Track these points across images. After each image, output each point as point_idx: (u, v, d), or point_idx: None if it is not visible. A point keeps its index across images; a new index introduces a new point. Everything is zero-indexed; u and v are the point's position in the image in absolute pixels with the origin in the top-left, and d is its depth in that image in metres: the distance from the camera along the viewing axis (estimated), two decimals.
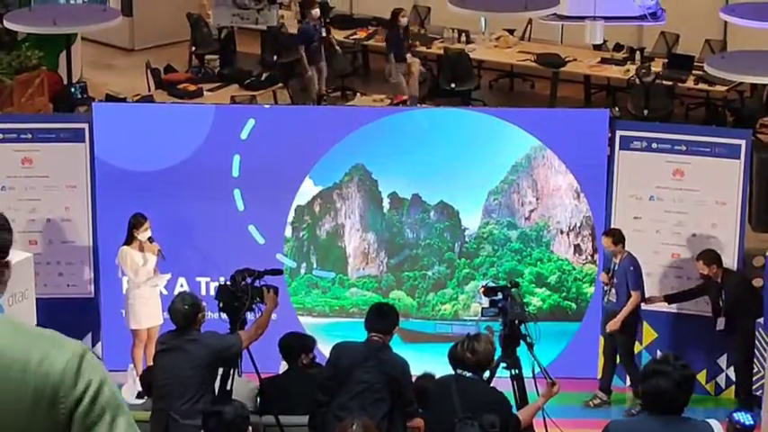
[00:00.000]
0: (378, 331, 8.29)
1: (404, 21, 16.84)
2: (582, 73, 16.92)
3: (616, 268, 11.01)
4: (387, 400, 8.12)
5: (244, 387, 8.77)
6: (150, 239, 11.04)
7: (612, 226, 11.44)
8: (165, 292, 11.30)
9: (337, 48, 17.49)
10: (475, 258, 11.81)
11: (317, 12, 16.92)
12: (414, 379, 9.01)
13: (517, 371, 8.38)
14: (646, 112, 15.68)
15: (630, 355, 11.12)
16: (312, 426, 8.37)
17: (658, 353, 10.42)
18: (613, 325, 10.95)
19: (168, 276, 11.29)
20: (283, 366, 9.34)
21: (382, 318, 8.38)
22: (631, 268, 10.93)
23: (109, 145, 11.50)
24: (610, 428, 5.92)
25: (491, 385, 7.94)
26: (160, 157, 11.52)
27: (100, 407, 2.53)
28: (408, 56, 16.86)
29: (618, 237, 10.98)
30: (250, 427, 7.28)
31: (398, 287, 11.85)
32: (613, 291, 11.05)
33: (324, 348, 10.06)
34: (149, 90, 16.14)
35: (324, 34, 17.20)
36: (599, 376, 11.63)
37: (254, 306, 8.64)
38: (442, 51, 17.36)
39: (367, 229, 11.84)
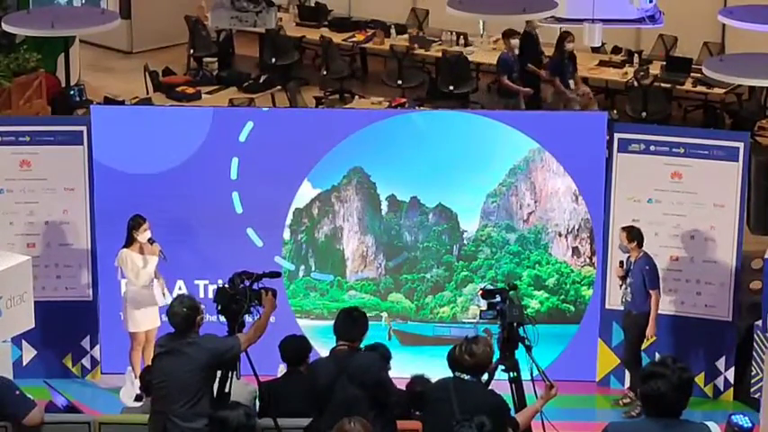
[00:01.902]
0: (348, 340, 8.26)
1: (570, 46, 15.82)
2: (580, 75, 16.91)
3: (631, 267, 11.00)
4: (370, 406, 8.07)
5: (242, 390, 8.76)
6: (151, 240, 11.04)
7: (611, 228, 11.45)
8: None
9: (548, 98, 16.21)
10: (473, 261, 11.81)
11: (516, 42, 15.94)
12: (408, 381, 9.02)
13: (515, 373, 8.36)
14: (644, 114, 15.69)
15: (636, 355, 11.07)
16: None
17: (657, 355, 10.44)
18: (651, 330, 10.92)
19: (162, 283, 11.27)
20: (282, 369, 9.34)
21: (354, 325, 8.33)
22: (647, 267, 10.92)
23: (107, 147, 11.50)
24: (608, 430, 5.91)
25: (489, 388, 7.94)
26: (158, 160, 11.52)
27: None
28: (572, 83, 15.96)
29: (634, 234, 10.93)
30: None
31: (397, 290, 11.85)
32: (629, 290, 11.04)
33: (321, 351, 10.06)
34: (147, 93, 16.16)
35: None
36: (597, 379, 11.65)
37: (252, 309, 8.62)
38: (440, 54, 17.38)
39: (365, 232, 11.84)
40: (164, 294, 11.12)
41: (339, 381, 8.09)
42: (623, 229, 11.05)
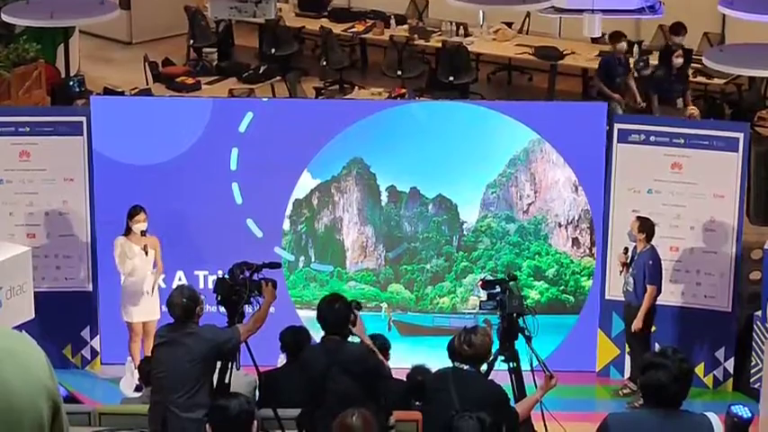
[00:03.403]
0: (335, 333, 8.18)
1: (677, 61, 14.56)
2: (580, 66, 16.88)
3: (636, 258, 11.01)
4: (367, 396, 8.05)
5: (242, 380, 8.76)
6: (143, 233, 11.03)
7: (611, 219, 11.45)
8: (163, 286, 11.31)
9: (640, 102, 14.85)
10: (473, 251, 11.82)
11: (623, 46, 15.14)
12: (408, 371, 9.01)
13: (515, 364, 8.37)
14: (644, 104, 15.64)
15: (644, 346, 11.04)
16: (299, 423, 8.34)
17: (657, 346, 10.44)
18: (637, 323, 10.93)
19: (154, 276, 11.25)
20: (282, 360, 9.34)
21: (338, 317, 8.20)
22: (650, 262, 10.92)
23: (107, 138, 11.50)
24: (608, 421, 5.91)
25: (489, 378, 7.94)
26: (158, 151, 11.53)
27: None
28: (680, 101, 14.57)
29: (646, 227, 10.94)
30: (255, 422, 7.22)
31: (396, 280, 11.86)
32: (631, 280, 11.05)
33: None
34: (147, 83, 16.13)
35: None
36: (597, 369, 11.65)
37: (252, 299, 8.63)
38: (440, 44, 17.34)
39: (365, 223, 11.84)
40: (152, 288, 11.11)
41: (330, 372, 8.06)
42: (638, 218, 11.05)
